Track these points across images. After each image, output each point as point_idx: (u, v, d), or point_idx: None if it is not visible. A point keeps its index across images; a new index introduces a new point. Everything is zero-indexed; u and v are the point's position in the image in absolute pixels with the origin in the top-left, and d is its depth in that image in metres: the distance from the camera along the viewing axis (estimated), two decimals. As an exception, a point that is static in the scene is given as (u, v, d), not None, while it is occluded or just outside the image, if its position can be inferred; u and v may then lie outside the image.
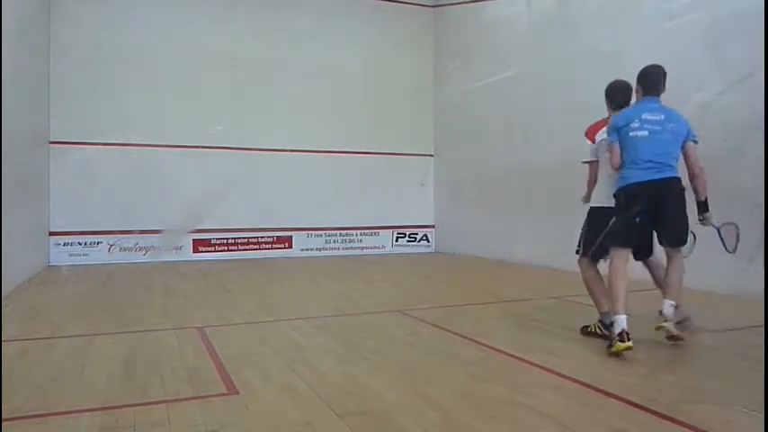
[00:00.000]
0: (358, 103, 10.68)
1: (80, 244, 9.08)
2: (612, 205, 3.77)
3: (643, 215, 3.57)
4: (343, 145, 10.61)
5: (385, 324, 4.57)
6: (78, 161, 8.85)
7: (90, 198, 8.99)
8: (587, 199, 4.10)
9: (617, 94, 3.99)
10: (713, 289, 5.79)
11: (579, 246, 4.03)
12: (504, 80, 9.27)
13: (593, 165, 4.02)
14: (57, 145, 8.84)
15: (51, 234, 8.88)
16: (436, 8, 11.37)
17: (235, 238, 10.03)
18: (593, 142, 3.99)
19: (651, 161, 3.56)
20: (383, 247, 11.01)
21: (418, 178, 11.31)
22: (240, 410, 2.58)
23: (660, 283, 3.87)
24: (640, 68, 3.82)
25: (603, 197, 3.90)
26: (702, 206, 3.72)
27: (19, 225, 6.49)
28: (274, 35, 10.19)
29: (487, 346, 3.72)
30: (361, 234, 10.88)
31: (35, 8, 8.01)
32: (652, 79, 3.74)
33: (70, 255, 8.97)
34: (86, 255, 9.06)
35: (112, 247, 9.23)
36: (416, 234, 11.31)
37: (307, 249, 10.45)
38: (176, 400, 2.70)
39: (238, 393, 2.80)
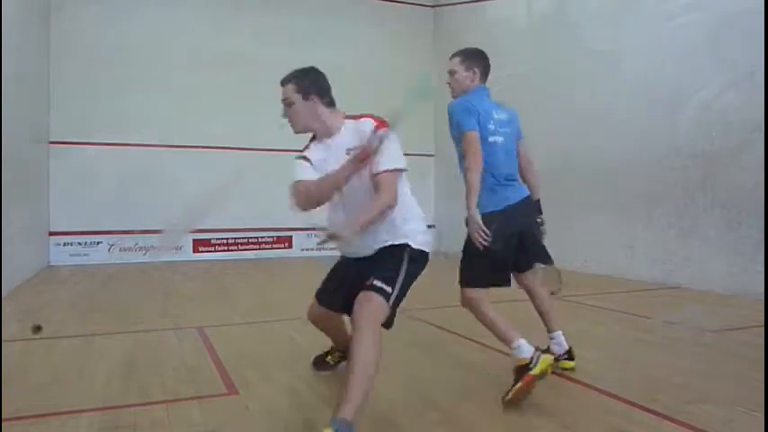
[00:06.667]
0: (358, 103, 10.51)
1: (80, 244, 9.07)
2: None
3: None
4: (343, 145, 10.59)
5: (385, 324, 4.56)
6: (78, 161, 8.81)
7: (90, 198, 8.96)
8: None
9: None
10: (713, 289, 5.80)
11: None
12: (504, 80, 9.25)
13: None
14: (57, 145, 8.82)
15: (51, 234, 8.86)
16: (436, 8, 11.36)
17: (235, 238, 10.02)
18: None
19: None
20: (383, 247, 10.98)
21: (418, 178, 11.30)
22: (240, 410, 2.58)
23: None
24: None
25: None
26: None
27: (19, 225, 6.48)
28: (274, 35, 10.16)
29: (487, 346, 3.72)
30: (361, 234, 10.86)
31: (35, 8, 8.01)
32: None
33: (70, 255, 8.96)
34: (86, 255, 9.04)
35: (112, 247, 9.22)
36: (416, 234, 11.28)
37: (307, 249, 10.44)
38: (176, 400, 2.70)
39: (238, 393, 2.80)
